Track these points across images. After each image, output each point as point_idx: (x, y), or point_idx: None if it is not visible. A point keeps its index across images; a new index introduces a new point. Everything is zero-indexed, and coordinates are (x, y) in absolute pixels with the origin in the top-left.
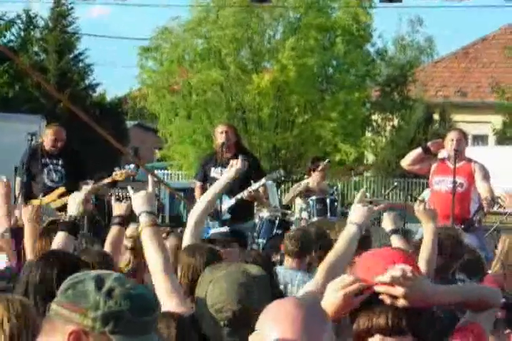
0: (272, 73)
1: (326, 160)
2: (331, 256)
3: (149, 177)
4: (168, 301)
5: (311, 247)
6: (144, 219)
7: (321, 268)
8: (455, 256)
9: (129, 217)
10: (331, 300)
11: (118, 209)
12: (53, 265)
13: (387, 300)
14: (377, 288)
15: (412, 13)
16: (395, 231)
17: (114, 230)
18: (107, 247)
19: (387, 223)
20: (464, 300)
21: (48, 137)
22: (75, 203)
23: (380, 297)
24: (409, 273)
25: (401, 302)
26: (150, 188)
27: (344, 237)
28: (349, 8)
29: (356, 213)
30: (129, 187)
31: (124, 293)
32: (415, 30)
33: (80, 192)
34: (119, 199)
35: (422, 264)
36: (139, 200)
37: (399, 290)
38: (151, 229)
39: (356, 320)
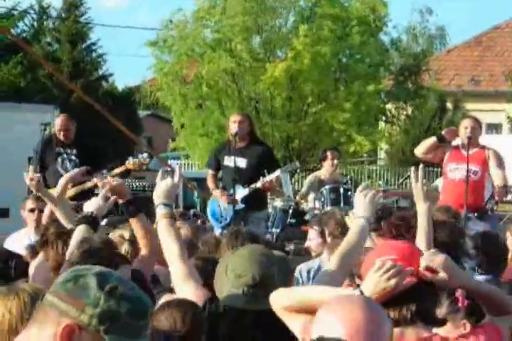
0: (286, 62)
1: (331, 150)
2: (343, 248)
3: (177, 168)
4: (185, 285)
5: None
6: (161, 210)
7: (335, 258)
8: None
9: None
10: (380, 287)
11: (122, 194)
12: (93, 260)
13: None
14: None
15: (421, 3)
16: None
17: (139, 222)
18: (144, 245)
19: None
20: (487, 295)
21: (57, 127)
22: (94, 201)
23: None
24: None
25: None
26: (176, 179)
27: (353, 230)
28: None
29: (360, 206)
30: (160, 172)
31: (125, 294)
32: (425, 19)
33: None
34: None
35: (421, 247)
36: (161, 189)
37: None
38: (168, 220)
39: None
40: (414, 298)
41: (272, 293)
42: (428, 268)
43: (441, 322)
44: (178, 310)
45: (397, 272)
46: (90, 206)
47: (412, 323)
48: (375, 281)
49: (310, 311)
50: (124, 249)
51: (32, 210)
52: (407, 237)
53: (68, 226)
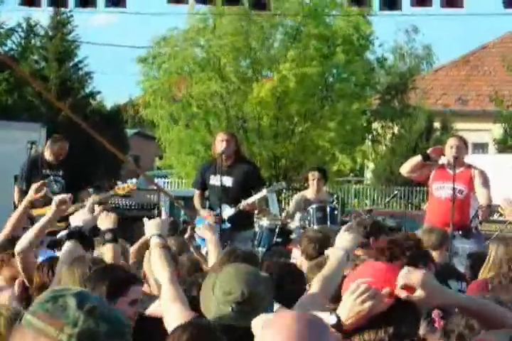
0: (272, 82)
1: (312, 171)
2: (323, 273)
3: (162, 210)
4: (172, 307)
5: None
6: (155, 240)
7: (316, 283)
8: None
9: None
10: (354, 310)
11: (106, 222)
12: (104, 280)
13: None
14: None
15: (408, 22)
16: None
17: (110, 249)
18: None
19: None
20: (478, 310)
21: (51, 150)
22: (79, 216)
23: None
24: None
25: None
26: (164, 216)
27: (333, 261)
28: (349, 17)
29: (342, 239)
30: (144, 219)
31: (104, 314)
32: (411, 38)
33: (82, 208)
34: (106, 210)
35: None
36: (152, 225)
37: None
38: (162, 250)
39: (353, 335)
40: (391, 320)
41: (258, 309)
42: (405, 287)
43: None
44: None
45: (371, 295)
46: (77, 219)
47: None
48: (349, 305)
49: None
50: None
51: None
52: (402, 260)
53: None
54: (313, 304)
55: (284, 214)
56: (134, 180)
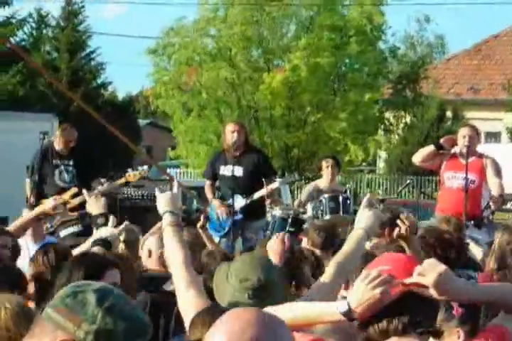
0: (284, 72)
1: (326, 159)
2: (339, 257)
3: (174, 179)
4: (186, 293)
5: (337, 239)
6: (167, 218)
7: (330, 269)
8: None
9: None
10: (365, 296)
11: (97, 206)
12: (81, 266)
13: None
14: (412, 283)
15: (419, 11)
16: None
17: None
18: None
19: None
20: (499, 300)
21: (60, 138)
22: (95, 204)
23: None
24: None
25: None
26: (175, 189)
27: (351, 240)
28: (362, 8)
29: (362, 218)
30: (156, 189)
31: (123, 313)
32: (423, 28)
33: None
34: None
35: None
36: (163, 200)
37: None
38: (174, 228)
39: (368, 325)
40: (405, 309)
41: (274, 296)
42: (418, 284)
43: (437, 333)
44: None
45: (383, 281)
46: (94, 208)
47: (405, 334)
48: (360, 291)
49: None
50: (120, 250)
51: None
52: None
53: None
54: (321, 293)
55: (296, 204)
56: (145, 167)
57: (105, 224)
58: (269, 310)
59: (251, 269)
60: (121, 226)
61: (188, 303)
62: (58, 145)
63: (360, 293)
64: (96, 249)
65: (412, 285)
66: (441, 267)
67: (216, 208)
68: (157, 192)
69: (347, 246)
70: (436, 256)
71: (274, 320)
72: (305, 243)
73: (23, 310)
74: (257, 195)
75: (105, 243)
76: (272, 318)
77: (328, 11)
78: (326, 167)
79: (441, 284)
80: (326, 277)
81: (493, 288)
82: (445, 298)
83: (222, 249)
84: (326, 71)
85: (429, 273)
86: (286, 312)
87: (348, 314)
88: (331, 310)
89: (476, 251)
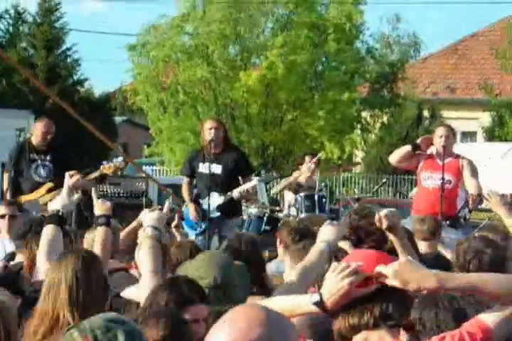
0: (260, 70)
1: (319, 155)
2: (300, 268)
3: (166, 203)
4: (131, 291)
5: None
6: (150, 231)
7: (294, 274)
8: None
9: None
10: (336, 288)
11: (101, 208)
12: (164, 296)
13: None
14: (376, 273)
15: (391, 11)
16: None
17: (101, 231)
18: (97, 249)
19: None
20: (472, 289)
21: (37, 130)
22: (59, 198)
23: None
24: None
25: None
26: (165, 210)
27: (314, 252)
28: (341, 6)
29: (325, 232)
30: (144, 210)
31: None
32: (395, 27)
33: (64, 191)
34: (103, 196)
35: None
36: (150, 216)
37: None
38: (152, 241)
39: (338, 319)
40: (376, 302)
41: (230, 296)
42: (378, 274)
43: (409, 326)
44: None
45: (351, 272)
46: (56, 203)
47: (376, 328)
48: (331, 282)
49: None
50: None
51: (2, 216)
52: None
53: None
54: (291, 291)
55: (273, 189)
56: (120, 159)
57: (105, 224)
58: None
59: (208, 268)
60: (76, 195)
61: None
62: (36, 138)
63: (331, 284)
64: (49, 228)
65: (375, 276)
66: (405, 258)
67: (190, 213)
68: (145, 210)
69: (309, 258)
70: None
71: (281, 318)
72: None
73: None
74: (234, 193)
75: (57, 219)
76: (278, 316)
77: (306, 9)
78: (309, 162)
79: (400, 273)
80: (291, 278)
81: (469, 275)
82: (412, 288)
83: (194, 241)
84: (303, 69)
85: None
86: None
87: (320, 305)
88: (305, 302)
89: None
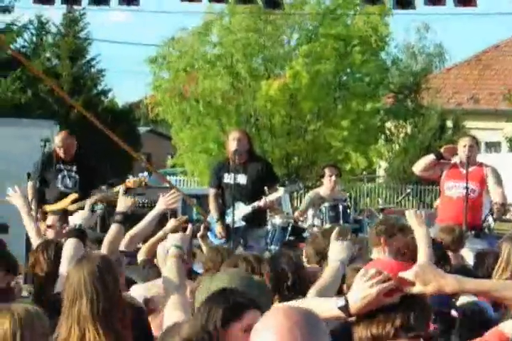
0: (283, 80)
1: (329, 167)
2: (317, 288)
3: (189, 226)
4: (172, 313)
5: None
6: (174, 251)
7: (313, 292)
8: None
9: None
10: (363, 294)
11: (123, 204)
12: (219, 304)
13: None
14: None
15: (419, 21)
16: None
17: (113, 228)
18: (105, 246)
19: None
20: (487, 292)
21: (56, 144)
22: (81, 212)
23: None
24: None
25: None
26: (188, 231)
27: (328, 273)
28: (368, 18)
29: (335, 250)
30: (169, 235)
31: None
32: (423, 37)
33: (86, 205)
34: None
35: None
36: (173, 238)
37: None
38: (177, 260)
39: (360, 327)
40: (398, 312)
41: None
42: (400, 279)
43: (428, 337)
44: None
45: (380, 280)
46: (77, 218)
47: (396, 338)
48: (358, 288)
49: None
50: None
51: (50, 226)
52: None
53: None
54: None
55: (296, 213)
56: (146, 174)
57: (121, 222)
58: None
59: (229, 285)
60: (97, 212)
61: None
62: (59, 151)
63: (359, 290)
64: (71, 242)
65: (401, 283)
66: (425, 260)
67: (216, 230)
68: (170, 235)
69: (324, 278)
70: None
71: (318, 321)
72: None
73: (32, 318)
74: (259, 203)
75: (79, 233)
76: (316, 319)
77: (332, 19)
78: (329, 175)
79: (421, 273)
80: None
81: (487, 281)
82: (432, 289)
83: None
84: (327, 80)
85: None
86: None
87: (345, 309)
88: (330, 306)
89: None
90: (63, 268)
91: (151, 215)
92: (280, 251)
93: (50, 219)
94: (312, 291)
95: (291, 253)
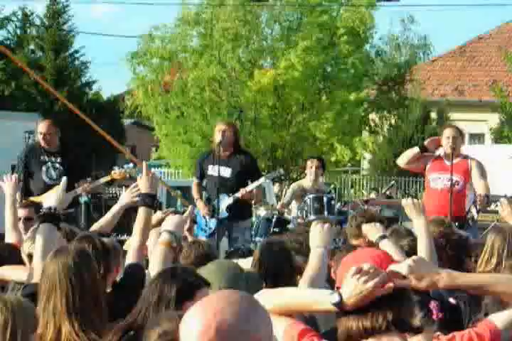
0: (275, 71)
1: (311, 159)
2: (308, 275)
3: (189, 208)
4: None
5: None
6: (164, 236)
7: (303, 284)
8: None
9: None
10: (357, 289)
11: (146, 184)
12: (172, 283)
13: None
14: (390, 271)
15: (403, 12)
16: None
17: (142, 213)
18: (138, 234)
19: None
20: (480, 287)
21: (38, 133)
22: (55, 197)
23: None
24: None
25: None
26: (187, 214)
27: (315, 259)
28: (354, 8)
29: (316, 236)
30: (169, 215)
31: None
32: (407, 28)
33: (60, 186)
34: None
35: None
36: (171, 221)
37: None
38: (164, 247)
39: (350, 320)
40: (390, 305)
41: None
42: (391, 273)
43: (417, 330)
44: None
45: (374, 274)
46: (50, 201)
47: (387, 331)
48: (352, 285)
49: (291, 314)
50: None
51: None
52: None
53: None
54: None
55: (279, 204)
56: (131, 165)
57: (148, 205)
58: (267, 292)
59: (215, 278)
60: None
61: None
62: (42, 139)
63: (353, 286)
64: (43, 227)
65: (392, 276)
66: (414, 257)
67: (199, 208)
68: (170, 215)
69: (312, 268)
70: (447, 257)
71: (253, 299)
72: None
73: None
74: (242, 191)
75: (50, 218)
76: (251, 297)
77: (317, 11)
78: (310, 167)
79: (414, 268)
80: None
81: (479, 275)
82: (425, 284)
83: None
84: (314, 71)
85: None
86: (277, 297)
87: (339, 305)
88: (323, 299)
89: None
90: (37, 256)
91: (115, 210)
92: (271, 239)
93: (27, 211)
94: (302, 284)
95: (282, 242)
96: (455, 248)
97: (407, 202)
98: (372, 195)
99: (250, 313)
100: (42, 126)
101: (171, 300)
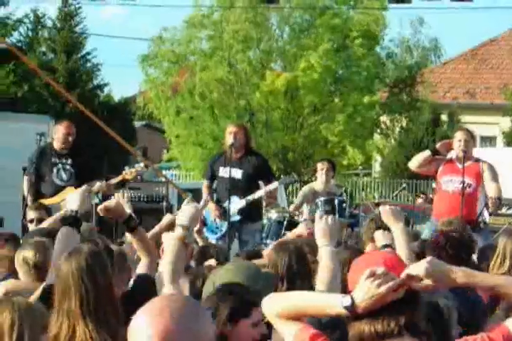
0: (289, 73)
1: (322, 161)
2: (323, 277)
3: (204, 195)
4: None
5: None
6: (178, 231)
7: (320, 288)
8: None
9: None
10: (370, 293)
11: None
12: (227, 301)
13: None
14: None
15: (414, 15)
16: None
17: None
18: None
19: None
20: (493, 288)
21: (59, 132)
22: (75, 199)
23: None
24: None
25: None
26: (201, 204)
27: (326, 260)
28: (368, 11)
29: (320, 235)
30: (187, 199)
31: None
32: (418, 30)
33: (82, 188)
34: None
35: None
36: (185, 213)
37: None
38: (178, 242)
39: (362, 323)
40: (402, 309)
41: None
42: (409, 276)
43: (428, 334)
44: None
45: (387, 279)
46: (72, 203)
47: (399, 335)
48: (365, 288)
49: (300, 318)
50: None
51: (31, 221)
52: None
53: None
54: None
55: (291, 207)
56: (142, 164)
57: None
58: (276, 296)
59: (234, 278)
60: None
61: None
62: (57, 141)
63: (365, 290)
64: (65, 231)
65: (407, 280)
66: (428, 258)
67: (209, 209)
68: (185, 202)
69: (325, 267)
70: (447, 256)
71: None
72: None
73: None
74: (254, 196)
75: (72, 220)
76: (199, 305)
77: (329, 13)
78: (321, 169)
79: (432, 270)
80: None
81: (495, 276)
82: (444, 285)
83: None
84: (332, 73)
85: (417, 265)
86: (286, 300)
87: (351, 308)
88: (335, 303)
89: None
90: (55, 258)
91: None
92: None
93: (38, 213)
94: (320, 285)
95: (298, 243)
96: (455, 247)
97: (384, 209)
98: (420, 200)
99: (198, 314)
100: (65, 127)
101: (226, 319)
